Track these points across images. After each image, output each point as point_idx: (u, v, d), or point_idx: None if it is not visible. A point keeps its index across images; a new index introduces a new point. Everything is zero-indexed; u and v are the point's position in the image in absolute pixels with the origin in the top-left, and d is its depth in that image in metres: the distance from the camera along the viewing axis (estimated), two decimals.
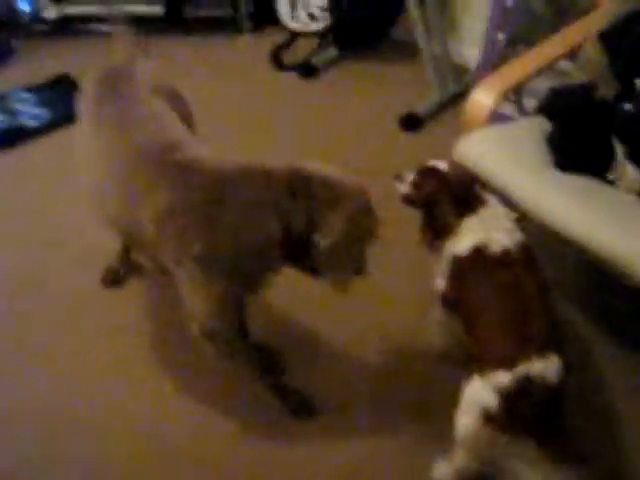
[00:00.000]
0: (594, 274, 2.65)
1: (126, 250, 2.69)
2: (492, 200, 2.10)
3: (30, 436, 2.21)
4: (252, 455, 2.16)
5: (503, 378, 1.73)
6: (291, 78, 4.00)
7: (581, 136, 2.36)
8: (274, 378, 2.24)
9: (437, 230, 2.10)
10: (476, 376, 1.81)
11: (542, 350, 1.75)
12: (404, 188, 2.18)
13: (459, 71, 3.90)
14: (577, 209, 2.18)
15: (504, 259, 1.93)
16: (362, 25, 4.06)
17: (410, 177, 2.17)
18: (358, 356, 2.47)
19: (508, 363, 1.73)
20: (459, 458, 1.94)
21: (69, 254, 2.84)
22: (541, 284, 1.90)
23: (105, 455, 2.16)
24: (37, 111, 3.73)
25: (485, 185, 2.30)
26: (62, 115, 3.61)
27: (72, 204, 2.77)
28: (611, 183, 2.32)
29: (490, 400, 1.74)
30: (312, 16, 4.14)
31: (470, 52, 3.90)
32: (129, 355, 2.46)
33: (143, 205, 1.81)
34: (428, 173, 2.14)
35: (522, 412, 1.72)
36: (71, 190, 2.87)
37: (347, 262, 1.89)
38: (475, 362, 1.85)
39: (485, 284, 1.94)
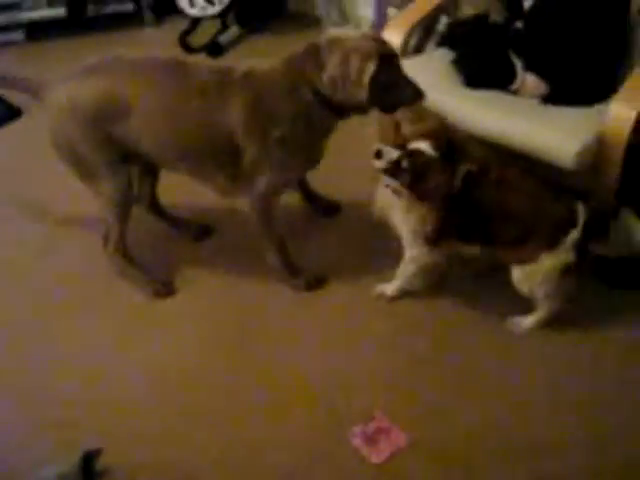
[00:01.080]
0: None
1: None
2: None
3: None
4: None
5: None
6: (201, 58, 4.20)
7: (481, 56, 2.71)
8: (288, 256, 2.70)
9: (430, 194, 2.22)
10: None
11: None
12: (382, 164, 2.19)
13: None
14: (493, 115, 2.54)
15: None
16: (259, 1, 4.32)
17: (391, 155, 2.18)
18: None
19: None
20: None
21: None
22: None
23: None
24: None
25: None
26: None
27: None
28: (514, 93, 2.67)
29: None
30: (210, 1, 4.37)
31: (364, 13, 4.21)
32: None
33: (227, 113, 2.32)
34: (417, 158, 2.18)
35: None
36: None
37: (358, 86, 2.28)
38: None
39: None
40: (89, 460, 2.10)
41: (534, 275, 2.27)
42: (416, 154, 2.17)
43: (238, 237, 2.92)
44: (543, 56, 2.62)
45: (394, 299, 2.60)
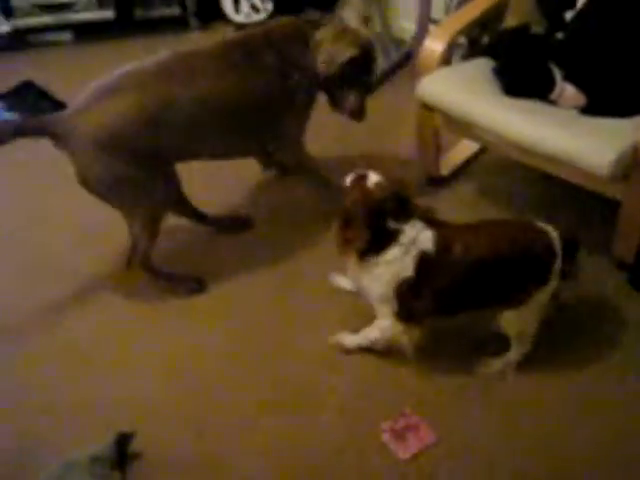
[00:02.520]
0: None
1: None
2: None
3: None
4: None
5: None
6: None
7: (522, 65, 2.74)
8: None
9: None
10: None
11: None
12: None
13: (398, 42, 4.27)
14: (528, 121, 2.59)
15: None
16: (303, 9, 4.37)
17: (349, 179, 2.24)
18: None
19: None
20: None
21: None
22: None
23: None
24: (7, 116, 3.90)
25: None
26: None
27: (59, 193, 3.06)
28: (553, 103, 2.69)
29: None
30: (255, 7, 4.46)
31: (406, 25, 4.27)
32: None
33: (263, 70, 2.57)
34: (355, 183, 2.21)
35: None
36: (54, 181, 3.18)
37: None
38: None
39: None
40: (123, 442, 2.14)
41: (527, 313, 2.23)
42: (360, 184, 2.17)
43: (264, 232, 3.01)
44: (583, 67, 2.65)
45: (349, 353, 2.47)
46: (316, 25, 2.66)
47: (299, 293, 2.73)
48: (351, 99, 2.74)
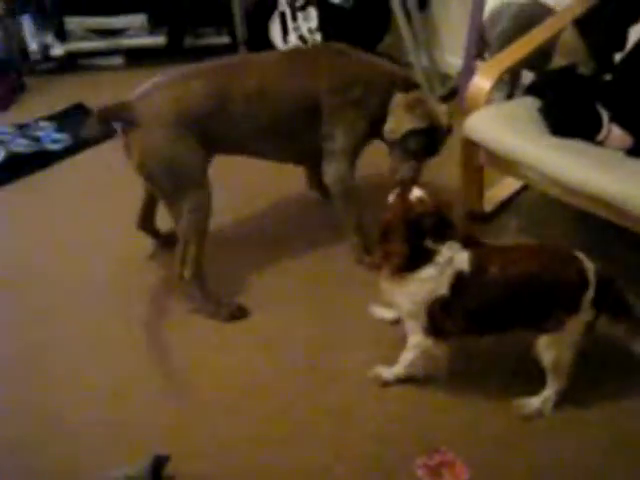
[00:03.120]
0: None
1: None
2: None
3: None
4: None
5: None
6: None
7: (569, 105, 2.75)
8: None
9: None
10: None
11: None
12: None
13: (443, 77, 4.30)
14: (574, 162, 2.59)
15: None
16: (351, 42, 4.42)
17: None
18: None
19: None
20: None
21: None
22: None
23: None
24: (58, 136, 4.00)
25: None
26: (81, 139, 3.92)
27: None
28: (600, 144, 2.69)
29: None
30: (303, 39, 4.51)
31: (451, 60, 4.30)
32: None
33: (314, 76, 2.68)
34: (398, 196, 2.27)
35: None
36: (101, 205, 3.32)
37: None
38: None
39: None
40: (159, 465, 2.16)
41: (561, 342, 2.21)
42: (403, 197, 2.22)
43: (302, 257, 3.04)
44: (630, 109, 2.65)
45: (388, 385, 2.46)
46: (407, 87, 2.76)
47: (337, 322, 2.74)
48: (404, 169, 2.76)
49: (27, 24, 4.57)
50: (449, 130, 2.78)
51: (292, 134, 2.74)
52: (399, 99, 2.70)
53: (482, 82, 2.88)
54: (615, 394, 2.42)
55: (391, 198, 2.28)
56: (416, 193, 2.20)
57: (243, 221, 3.29)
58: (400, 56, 4.37)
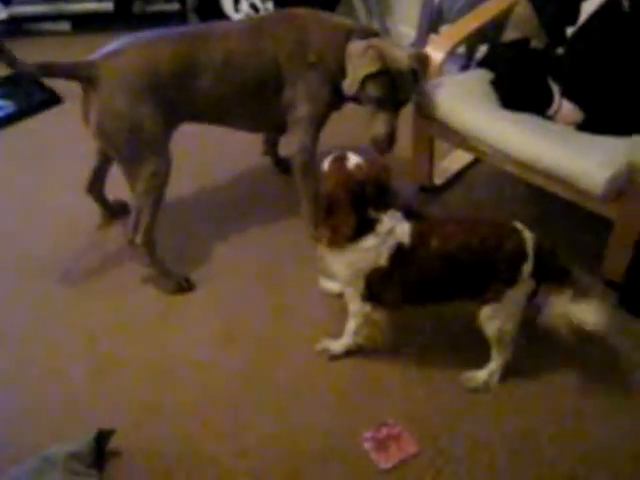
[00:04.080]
0: None
1: None
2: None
3: None
4: None
5: None
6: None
7: (520, 79, 2.75)
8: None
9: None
10: None
11: None
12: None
13: None
14: (527, 136, 2.58)
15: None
16: None
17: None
18: None
19: None
20: None
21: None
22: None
23: None
24: (1, 103, 3.88)
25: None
26: (25, 106, 3.83)
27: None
28: (550, 118, 2.69)
29: None
30: (254, 7, 4.43)
31: (404, 31, 4.26)
32: None
33: (274, 45, 2.63)
34: (334, 165, 2.22)
35: None
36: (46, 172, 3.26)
37: None
38: None
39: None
40: (102, 440, 2.12)
41: (502, 311, 2.22)
42: (340, 165, 2.19)
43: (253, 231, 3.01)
44: (581, 84, 2.65)
45: (336, 358, 2.46)
46: (365, 36, 2.67)
47: (287, 295, 2.73)
48: (377, 126, 2.63)
49: None
50: (416, 74, 2.64)
51: (256, 103, 2.71)
52: (351, 47, 2.61)
53: (434, 54, 2.85)
54: (555, 368, 2.45)
55: (326, 166, 2.23)
56: (353, 160, 2.17)
57: (198, 191, 3.24)
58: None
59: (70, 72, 2.46)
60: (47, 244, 2.95)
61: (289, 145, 2.82)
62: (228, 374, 2.43)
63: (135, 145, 2.48)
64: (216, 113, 2.73)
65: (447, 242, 2.18)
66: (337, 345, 2.45)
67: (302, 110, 2.71)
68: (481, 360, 2.38)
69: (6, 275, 2.82)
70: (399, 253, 2.16)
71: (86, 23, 4.57)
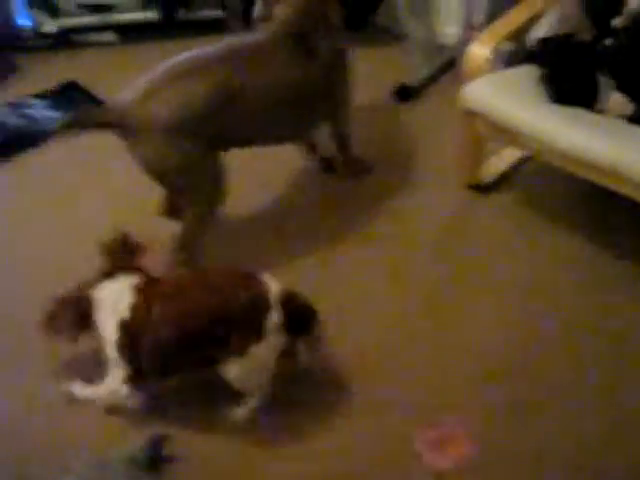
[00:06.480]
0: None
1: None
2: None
3: None
4: None
5: None
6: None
7: (570, 73, 2.71)
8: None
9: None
10: None
11: None
12: None
13: (441, 48, 4.22)
14: (576, 130, 2.56)
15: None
16: (345, 12, 4.35)
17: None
18: None
19: None
20: None
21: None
22: None
23: None
24: (51, 114, 3.94)
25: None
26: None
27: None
28: (601, 112, 2.65)
29: None
30: None
31: (449, 30, 4.23)
32: None
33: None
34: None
35: None
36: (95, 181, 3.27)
37: None
38: None
39: None
40: (158, 445, 2.12)
41: (248, 366, 2.06)
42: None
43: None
44: (631, 75, 2.61)
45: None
46: None
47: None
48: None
49: (18, 0, 4.50)
50: None
51: (301, 111, 2.74)
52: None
53: (479, 50, 2.83)
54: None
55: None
56: None
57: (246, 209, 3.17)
58: (395, 27, 4.31)
59: (101, 124, 2.41)
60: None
61: (339, 125, 2.99)
62: None
63: (185, 179, 2.46)
64: (260, 135, 2.69)
65: (172, 306, 2.05)
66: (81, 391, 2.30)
67: (339, 95, 2.89)
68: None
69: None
70: (124, 329, 2.06)
71: (132, 33, 4.64)
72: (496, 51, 2.88)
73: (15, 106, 4.00)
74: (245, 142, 2.67)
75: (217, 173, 2.54)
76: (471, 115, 2.83)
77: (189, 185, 2.50)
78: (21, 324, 2.49)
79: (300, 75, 2.64)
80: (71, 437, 2.23)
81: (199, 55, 2.53)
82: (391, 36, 4.38)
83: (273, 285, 2.06)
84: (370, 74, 4.07)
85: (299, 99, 2.67)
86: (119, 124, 2.35)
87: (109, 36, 4.67)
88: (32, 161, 3.59)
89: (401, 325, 2.57)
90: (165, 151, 2.36)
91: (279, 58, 2.62)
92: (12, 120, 3.83)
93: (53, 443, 2.21)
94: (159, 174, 2.44)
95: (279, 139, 2.85)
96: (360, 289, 2.73)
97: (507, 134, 2.75)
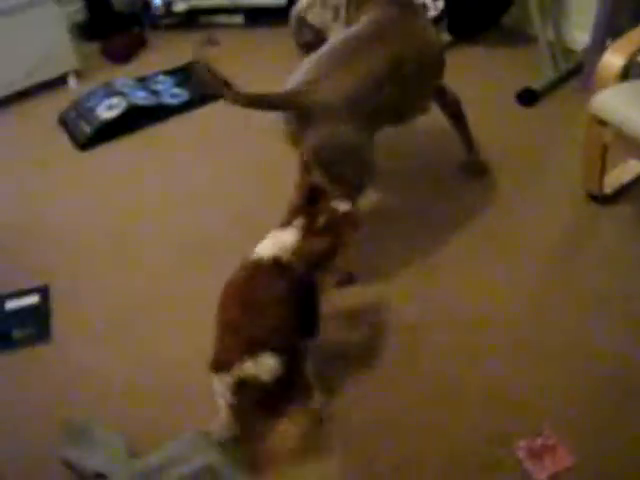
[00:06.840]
0: None
1: None
2: None
3: None
4: None
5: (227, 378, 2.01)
6: None
7: None
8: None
9: None
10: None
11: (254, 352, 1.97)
12: None
13: (567, 52, 4.13)
14: None
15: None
16: (475, 13, 4.31)
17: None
18: None
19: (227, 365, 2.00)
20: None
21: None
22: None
23: None
24: (176, 91, 4.07)
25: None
26: (198, 95, 4.01)
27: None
28: None
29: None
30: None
31: (578, 36, 4.13)
32: None
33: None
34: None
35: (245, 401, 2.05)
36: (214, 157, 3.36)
37: None
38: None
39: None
40: None
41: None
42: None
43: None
44: None
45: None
46: None
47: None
48: None
49: None
50: None
51: (431, 83, 2.86)
52: None
53: (613, 59, 2.76)
54: None
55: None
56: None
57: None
58: (525, 28, 4.25)
59: (282, 106, 2.47)
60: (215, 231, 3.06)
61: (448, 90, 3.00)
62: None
63: (356, 169, 2.53)
64: (409, 105, 2.77)
65: None
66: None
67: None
68: None
69: (177, 258, 2.94)
70: None
71: (258, 17, 4.72)
72: (631, 61, 2.79)
73: (143, 81, 4.15)
74: (398, 118, 2.77)
75: (373, 158, 2.59)
76: (599, 124, 2.76)
77: (356, 174, 2.55)
78: None
79: (433, 40, 2.76)
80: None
81: (358, 35, 2.58)
82: (521, 37, 4.31)
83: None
84: (495, 74, 4.05)
85: (434, 64, 2.78)
86: (297, 107, 2.42)
87: (238, 18, 4.77)
88: (157, 135, 3.72)
89: (507, 331, 2.57)
90: (340, 138, 2.42)
91: (416, 26, 2.70)
92: (140, 94, 3.97)
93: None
94: (331, 162, 2.44)
95: (422, 110, 2.88)
96: (473, 288, 2.74)
97: (635, 145, 2.67)
